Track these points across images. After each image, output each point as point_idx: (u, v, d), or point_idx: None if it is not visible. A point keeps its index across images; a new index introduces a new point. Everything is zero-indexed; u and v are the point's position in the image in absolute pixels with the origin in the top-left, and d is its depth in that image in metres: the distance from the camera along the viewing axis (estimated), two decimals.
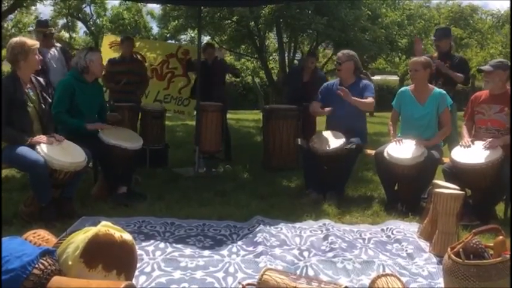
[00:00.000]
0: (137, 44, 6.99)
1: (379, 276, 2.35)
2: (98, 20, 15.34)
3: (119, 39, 6.88)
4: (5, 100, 3.39)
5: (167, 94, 7.62)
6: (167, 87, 7.62)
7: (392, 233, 3.43)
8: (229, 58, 16.41)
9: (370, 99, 4.46)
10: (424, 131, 4.18)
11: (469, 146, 3.83)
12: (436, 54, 5.19)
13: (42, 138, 3.50)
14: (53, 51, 5.43)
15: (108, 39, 7.77)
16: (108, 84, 5.85)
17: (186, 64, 7.13)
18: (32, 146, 3.44)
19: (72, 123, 4.02)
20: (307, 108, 5.83)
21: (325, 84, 4.87)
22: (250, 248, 3.09)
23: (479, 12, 18.02)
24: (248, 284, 2.50)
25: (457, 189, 3.27)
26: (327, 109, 4.58)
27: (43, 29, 5.50)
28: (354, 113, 4.48)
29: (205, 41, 11.58)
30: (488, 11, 17.72)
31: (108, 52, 6.97)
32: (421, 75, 4.19)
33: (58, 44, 5.88)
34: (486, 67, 3.99)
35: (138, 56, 7.01)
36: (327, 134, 4.49)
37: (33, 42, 3.57)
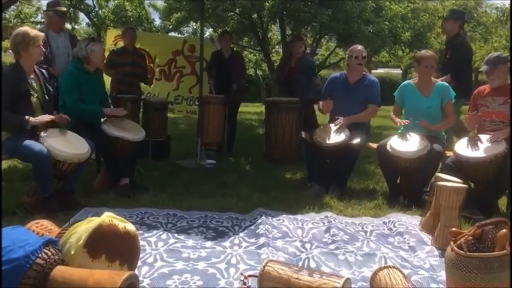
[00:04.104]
0: (139, 36, 6.92)
1: (381, 269, 2.35)
2: (100, 11, 15.25)
3: None
4: (5, 88, 3.36)
5: (178, 95, 7.56)
6: (177, 87, 7.57)
7: (394, 226, 3.43)
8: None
9: (370, 109, 4.52)
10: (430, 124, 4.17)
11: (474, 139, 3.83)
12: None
13: (45, 117, 3.48)
14: (61, 36, 5.17)
15: (112, 34, 7.71)
16: (109, 71, 5.78)
17: (207, 66, 6.54)
18: (36, 137, 3.44)
19: (90, 109, 4.06)
20: (308, 101, 5.84)
21: (331, 77, 4.86)
22: (252, 240, 3.09)
23: (483, 6, 17.88)
24: (250, 275, 2.51)
25: (460, 183, 3.26)
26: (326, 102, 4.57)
27: (55, 8, 5.15)
28: (357, 107, 4.49)
29: (207, 33, 11.54)
30: (492, 5, 17.59)
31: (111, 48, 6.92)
32: (433, 71, 4.25)
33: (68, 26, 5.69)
34: (484, 68, 3.89)
35: (145, 55, 6.84)
36: (331, 127, 4.48)
37: (36, 34, 3.54)
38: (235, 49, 6.68)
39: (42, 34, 3.65)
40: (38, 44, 3.53)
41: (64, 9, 5.37)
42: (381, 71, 23.86)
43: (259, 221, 3.39)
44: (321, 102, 4.66)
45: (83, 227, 2.20)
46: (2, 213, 3.12)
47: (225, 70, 6.11)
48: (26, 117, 3.40)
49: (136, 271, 2.38)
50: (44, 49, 3.72)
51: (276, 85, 6.25)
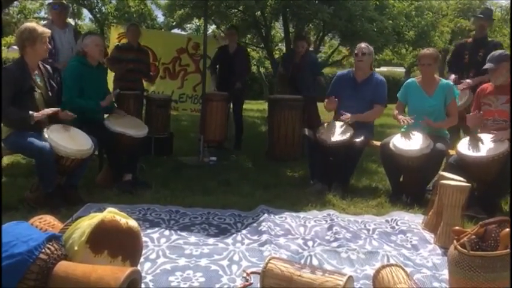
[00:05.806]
0: (143, 34, 6.87)
1: (383, 267, 2.35)
2: (103, 7, 15.23)
3: None
4: (7, 83, 3.36)
5: (182, 93, 7.54)
6: (181, 86, 7.55)
7: (396, 224, 3.42)
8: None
9: (376, 109, 4.53)
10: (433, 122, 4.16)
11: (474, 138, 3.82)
12: (470, 40, 5.16)
13: (47, 110, 3.48)
14: (65, 31, 5.20)
15: (116, 31, 7.68)
16: (112, 67, 5.77)
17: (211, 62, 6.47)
18: (39, 133, 3.44)
19: (87, 104, 4.07)
20: (310, 99, 5.83)
21: (338, 74, 4.85)
22: (255, 237, 3.10)
23: (488, 4, 17.83)
24: (252, 272, 2.52)
25: (463, 182, 3.25)
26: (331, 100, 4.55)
27: (56, 1, 5.32)
28: (362, 105, 4.49)
29: (211, 30, 11.51)
30: (497, 3, 17.56)
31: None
32: (433, 69, 4.22)
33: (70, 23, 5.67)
34: (489, 65, 3.88)
35: (149, 52, 6.79)
36: (335, 125, 4.47)
37: (43, 30, 3.53)
38: (241, 45, 6.63)
39: (49, 31, 3.65)
40: (44, 40, 3.53)
41: (60, 3, 5.37)
42: (383, 69, 23.80)
43: (261, 218, 3.39)
44: (326, 100, 4.66)
45: (86, 223, 2.20)
46: (5, 208, 3.13)
47: (229, 65, 6.09)
48: (30, 112, 3.40)
49: (138, 267, 2.38)
50: (49, 45, 3.73)
51: (279, 83, 6.20)
